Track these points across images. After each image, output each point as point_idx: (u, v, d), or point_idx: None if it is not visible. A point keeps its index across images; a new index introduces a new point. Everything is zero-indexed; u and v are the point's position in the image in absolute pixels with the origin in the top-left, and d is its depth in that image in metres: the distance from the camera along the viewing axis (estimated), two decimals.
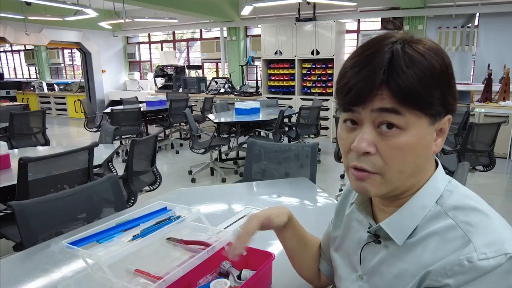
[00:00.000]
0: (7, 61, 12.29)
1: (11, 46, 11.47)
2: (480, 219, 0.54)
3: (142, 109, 5.67)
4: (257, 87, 7.49)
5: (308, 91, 6.84)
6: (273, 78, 7.19)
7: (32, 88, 10.51)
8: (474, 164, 3.28)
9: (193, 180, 4.50)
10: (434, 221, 0.56)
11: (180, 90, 8.07)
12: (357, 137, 0.56)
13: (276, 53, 6.94)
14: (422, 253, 0.55)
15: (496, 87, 5.47)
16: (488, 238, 0.51)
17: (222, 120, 4.71)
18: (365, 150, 0.55)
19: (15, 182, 1.97)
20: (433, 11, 5.91)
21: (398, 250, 0.59)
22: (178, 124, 6.46)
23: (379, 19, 6.56)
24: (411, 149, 0.54)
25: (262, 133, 5.20)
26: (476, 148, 3.28)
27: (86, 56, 9.20)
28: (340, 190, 3.98)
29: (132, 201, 2.53)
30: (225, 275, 0.99)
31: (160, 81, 8.81)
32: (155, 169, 2.92)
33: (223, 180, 4.45)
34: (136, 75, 9.86)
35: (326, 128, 6.57)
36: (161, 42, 9.63)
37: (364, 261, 0.67)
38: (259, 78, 7.55)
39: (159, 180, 2.93)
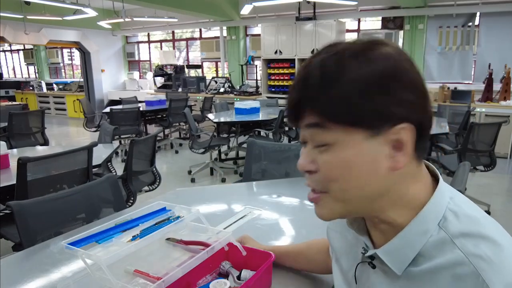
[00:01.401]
0: (6, 60, 12.28)
1: (10, 45, 11.46)
2: (492, 251, 0.47)
3: (141, 109, 5.67)
4: (257, 87, 7.48)
5: None
6: (273, 77, 7.18)
7: (31, 88, 10.50)
8: (475, 164, 3.28)
9: (193, 180, 4.49)
10: (439, 251, 0.49)
11: (180, 89, 8.06)
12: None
13: (276, 52, 6.94)
14: None
15: (497, 86, 5.46)
16: (504, 278, 0.45)
17: (222, 119, 4.71)
18: (304, 168, 0.53)
19: (14, 182, 1.97)
20: (433, 11, 5.91)
21: (397, 278, 0.53)
22: (177, 124, 6.46)
23: (380, 18, 6.56)
24: (345, 166, 0.50)
25: (262, 133, 5.20)
26: (477, 148, 3.27)
27: (85, 56, 9.19)
28: None
29: (131, 201, 2.52)
30: (225, 275, 0.98)
31: (160, 80, 8.80)
32: (154, 169, 2.92)
33: (223, 180, 4.45)
34: (136, 74, 9.86)
35: None
36: (161, 41, 9.62)
37: (359, 281, 0.62)
38: (259, 78, 7.55)
39: (158, 180, 2.93)
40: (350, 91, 0.47)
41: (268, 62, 7.18)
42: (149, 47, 9.80)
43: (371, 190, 0.51)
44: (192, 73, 8.72)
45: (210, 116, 4.90)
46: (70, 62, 11.06)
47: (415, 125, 0.49)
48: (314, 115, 0.50)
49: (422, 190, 0.53)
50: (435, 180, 0.56)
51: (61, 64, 11.05)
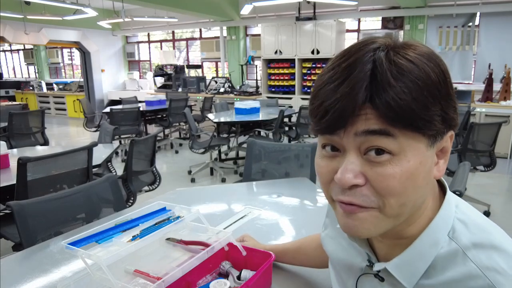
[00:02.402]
0: (6, 60, 12.28)
1: (10, 45, 11.46)
2: (507, 263, 0.45)
3: (141, 109, 5.66)
4: (257, 87, 7.48)
5: (309, 90, 6.82)
6: (273, 77, 7.18)
7: (31, 88, 10.49)
8: (475, 164, 3.28)
9: (193, 180, 4.49)
10: (451, 263, 0.47)
11: (180, 89, 8.06)
12: (339, 166, 0.46)
13: (276, 52, 6.94)
14: None
15: (497, 86, 5.46)
16: None
17: (222, 119, 4.70)
18: (351, 183, 0.45)
19: (14, 182, 1.97)
20: (433, 10, 5.91)
21: None
22: (177, 124, 6.46)
23: (380, 18, 6.56)
24: (410, 178, 0.44)
25: (262, 133, 5.20)
26: (477, 148, 3.27)
27: (85, 56, 9.19)
28: None
29: (131, 201, 2.52)
30: (225, 275, 0.98)
31: (160, 80, 8.80)
32: (154, 169, 2.92)
33: (223, 180, 4.45)
34: (136, 74, 9.86)
35: None
36: (161, 41, 9.62)
37: None
38: (259, 78, 7.55)
39: (158, 180, 2.92)
40: (421, 90, 0.42)
41: (268, 62, 7.18)
42: (149, 47, 9.79)
43: (422, 202, 0.48)
44: (192, 73, 8.72)
45: (210, 116, 4.90)
46: (70, 62, 11.06)
47: (455, 131, 0.48)
48: (375, 119, 0.43)
49: (432, 200, 0.51)
50: (439, 186, 0.54)
51: (61, 64, 11.05)
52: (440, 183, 0.54)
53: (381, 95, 0.42)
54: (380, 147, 0.43)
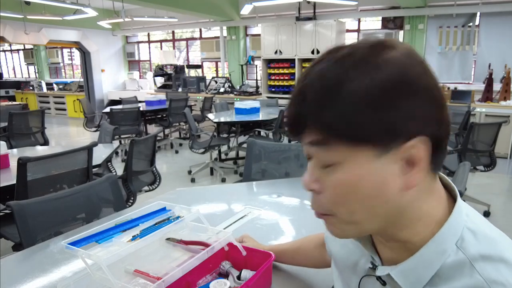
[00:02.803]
0: (6, 60, 12.28)
1: (10, 45, 11.46)
2: None
3: (141, 109, 5.67)
4: (257, 87, 7.48)
5: None
6: (273, 77, 7.18)
7: (31, 88, 10.50)
8: (475, 164, 3.28)
9: (193, 180, 4.49)
10: (457, 274, 0.45)
11: (180, 89, 8.06)
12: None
13: (276, 52, 6.94)
14: None
15: (497, 86, 5.46)
16: None
17: (222, 119, 4.71)
18: (308, 187, 0.49)
19: (14, 182, 1.97)
20: (433, 10, 5.91)
21: None
22: (177, 124, 6.46)
23: (380, 18, 6.56)
24: (354, 188, 0.45)
25: (262, 132, 5.20)
26: (477, 148, 3.27)
27: (85, 56, 9.19)
28: None
29: (131, 201, 2.52)
30: (225, 275, 0.98)
31: (160, 80, 8.80)
32: (154, 169, 2.92)
33: (223, 180, 4.45)
34: (136, 74, 9.86)
35: None
36: (161, 41, 9.62)
37: None
38: (259, 78, 7.55)
39: (158, 180, 2.93)
40: (353, 105, 0.42)
41: (268, 62, 7.17)
42: (149, 47, 9.79)
43: (382, 211, 0.47)
44: (192, 73, 8.72)
45: (210, 116, 4.90)
46: (70, 62, 11.06)
47: (430, 138, 0.44)
48: (315, 132, 0.45)
49: (437, 206, 0.49)
50: (448, 193, 0.52)
51: (61, 64, 11.05)
52: (447, 188, 0.53)
53: (311, 110, 0.45)
54: (323, 157, 0.46)
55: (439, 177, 0.52)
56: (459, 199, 0.50)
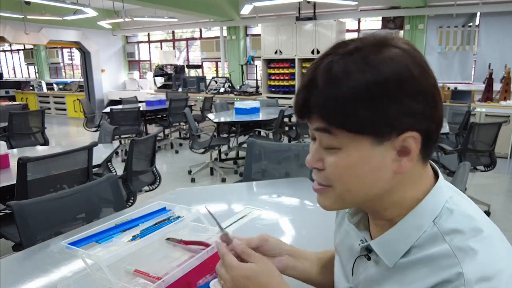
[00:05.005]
0: (6, 60, 12.28)
1: (10, 45, 11.46)
2: (480, 245, 0.47)
3: (141, 109, 5.67)
4: (257, 87, 7.48)
5: None
6: (273, 77, 7.18)
7: (31, 88, 10.50)
8: (475, 164, 3.28)
9: (193, 180, 4.49)
10: (430, 245, 0.50)
11: (180, 89, 8.06)
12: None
13: (276, 52, 6.94)
14: (413, 280, 0.50)
15: (497, 86, 5.46)
16: (483, 271, 0.45)
17: (222, 119, 4.71)
18: (312, 166, 0.55)
19: (14, 182, 1.97)
20: (433, 10, 5.91)
21: (388, 270, 0.54)
22: (177, 124, 6.46)
23: (380, 18, 6.56)
24: (351, 170, 0.51)
25: (262, 132, 5.20)
26: (477, 148, 3.27)
27: (85, 56, 9.19)
28: None
29: (131, 201, 2.52)
30: None
31: (160, 80, 8.80)
32: (154, 169, 2.92)
33: (223, 180, 4.45)
34: (136, 74, 9.85)
35: None
36: (161, 41, 9.62)
37: (355, 273, 0.63)
38: (259, 78, 7.55)
39: (158, 180, 2.92)
40: (354, 98, 0.47)
41: (268, 62, 7.17)
42: (149, 47, 9.79)
43: (374, 192, 0.53)
44: (192, 73, 8.72)
45: (210, 116, 4.90)
46: (70, 62, 11.06)
47: (422, 132, 0.49)
48: (320, 119, 0.50)
49: (423, 191, 0.53)
50: (437, 178, 0.56)
51: (61, 64, 11.04)
52: (436, 172, 0.57)
53: (316, 99, 0.49)
54: (326, 142, 0.51)
55: (429, 164, 0.56)
56: (440, 181, 0.55)
